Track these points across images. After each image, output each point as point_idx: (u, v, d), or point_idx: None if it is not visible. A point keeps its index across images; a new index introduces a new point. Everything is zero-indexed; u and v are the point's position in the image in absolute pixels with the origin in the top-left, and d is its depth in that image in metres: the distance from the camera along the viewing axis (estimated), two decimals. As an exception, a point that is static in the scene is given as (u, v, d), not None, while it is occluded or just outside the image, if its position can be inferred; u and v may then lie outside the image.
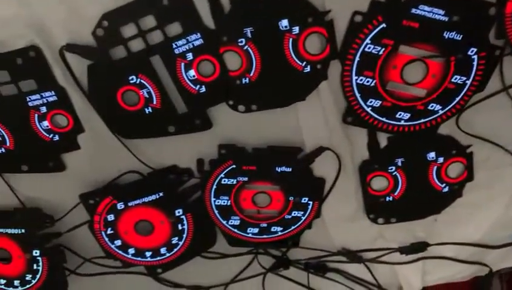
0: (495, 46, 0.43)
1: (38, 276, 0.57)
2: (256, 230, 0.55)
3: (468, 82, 0.44)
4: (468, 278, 0.60)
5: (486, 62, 0.43)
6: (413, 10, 0.41)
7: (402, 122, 0.47)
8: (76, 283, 0.58)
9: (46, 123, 0.48)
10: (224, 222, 0.54)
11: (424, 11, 0.41)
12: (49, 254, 0.56)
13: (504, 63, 0.44)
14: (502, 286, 0.99)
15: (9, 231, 0.55)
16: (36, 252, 0.56)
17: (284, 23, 0.42)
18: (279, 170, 0.50)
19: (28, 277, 0.58)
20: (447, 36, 0.42)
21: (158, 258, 0.57)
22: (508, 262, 0.57)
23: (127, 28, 0.43)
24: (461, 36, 0.42)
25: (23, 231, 0.55)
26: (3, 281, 0.58)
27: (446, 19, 0.41)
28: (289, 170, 0.50)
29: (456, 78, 0.44)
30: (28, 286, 0.58)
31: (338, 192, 0.52)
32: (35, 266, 0.57)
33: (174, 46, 0.43)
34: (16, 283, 0.58)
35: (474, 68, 0.43)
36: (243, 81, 0.45)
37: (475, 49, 0.42)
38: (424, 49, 0.43)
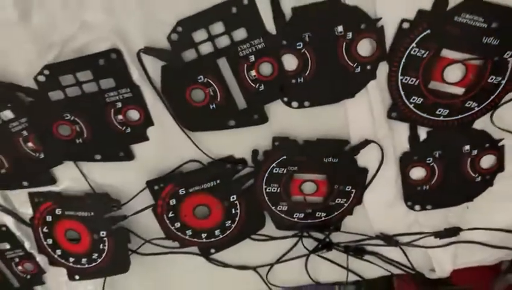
0: (529, 50, 0.47)
1: (103, 255, 0.63)
2: (302, 215, 0.60)
3: (503, 82, 0.49)
4: (496, 262, 0.65)
5: (519, 65, 0.48)
6: (456, 18, 0.45)
7: (441, 118, 0.51)
8: (137, 261, 0.64)
9: (120, 117, 0.53)
10: (273, 207, 0.60)
11: (466, 18, 0.45)
12: (114, 235, 0.62)
13: (536, 65, 0.48)
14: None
15: (79, 213, 0.61)
16: (103, 233, 0.62)
17: (340, 29, 0.47)
18: (326, 161, 0.55)
19: (94, 256, 0.64)
20: (485, 41, 0.46)
21: (212, 239, 0.62)
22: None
23: (198, 33, 0.48)
24: (498, 41, 0.46)
25: (92, 214, 0.61)
26: (72, 259, 0.65)
27: (485, 25, 0.45)
28: (336, 160, 0.55)
29: (492, 78, 0.48)
30: (94, 263, 0.64)
31: (379, 181, 0.57)
32: (101, 246, 0.63)
33: (239, 49, 0.49)
34: (83, 260, 0.64)
35: (509, 70, 0.48)
36: (298, 80, 0.50)
37: (510, 53, 0.47)
38: (464, 52, 0.47)
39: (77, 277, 0.66)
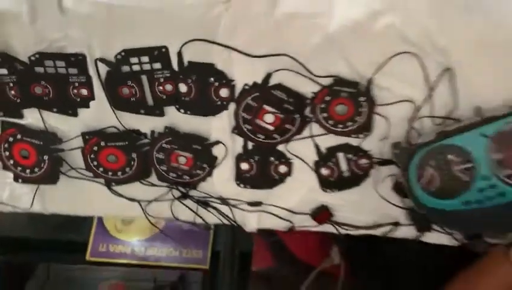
0: (308, 116, 0.86)
1: (42, 170, 0.92)
2: (174, 175, 0.93)
3: (294, 129, 0.86)
4: (285, 229, 1.04)
5: (302, 122, 0.86)
6: (272, 91, 0.84)
7: (260, 140, 0.87)
8: (63, 180, 0.94)
9: (75, 91, 0.86)
10: (158, 167, 0.93)
11: (277, 92, 0.84)
12: (53, 159, 0.89)
13: (312, 124, 0.88)
14: (340, 257, 1.43)
15: (33, 141, 0.89)
16: (45, 157, 0.89)
17: (211, 79, 0.82)
18: (194, 147, 0.90)
19: (36, 169, 0.91)
20: (285, 106, 0.83)
21: (115, 177, 0.90)
22: (303, 225, 1.01)
23: (133, 59, 0.81)
24: (292, 108, 0.85)
25: (41, 143, 0.88)
26: (19, 168, 0.93)
27: (286, 98, 0.83)
28: (200, 148, 0.90)
29: (288, 125, 0.85)
30: (34, 174, 0.91)
31: (223, 165, 0.91)
32: (42, 165, 0.89)
33: (155, 73, 0.83)
34: (27, 171, 0.92)
35: (297, 124, 0.86)
36: (186, 98, 0.86)
37: (298, 115, 0.86)
38: (275, 108, 0.85)
39: (20, 181, 0.92)
